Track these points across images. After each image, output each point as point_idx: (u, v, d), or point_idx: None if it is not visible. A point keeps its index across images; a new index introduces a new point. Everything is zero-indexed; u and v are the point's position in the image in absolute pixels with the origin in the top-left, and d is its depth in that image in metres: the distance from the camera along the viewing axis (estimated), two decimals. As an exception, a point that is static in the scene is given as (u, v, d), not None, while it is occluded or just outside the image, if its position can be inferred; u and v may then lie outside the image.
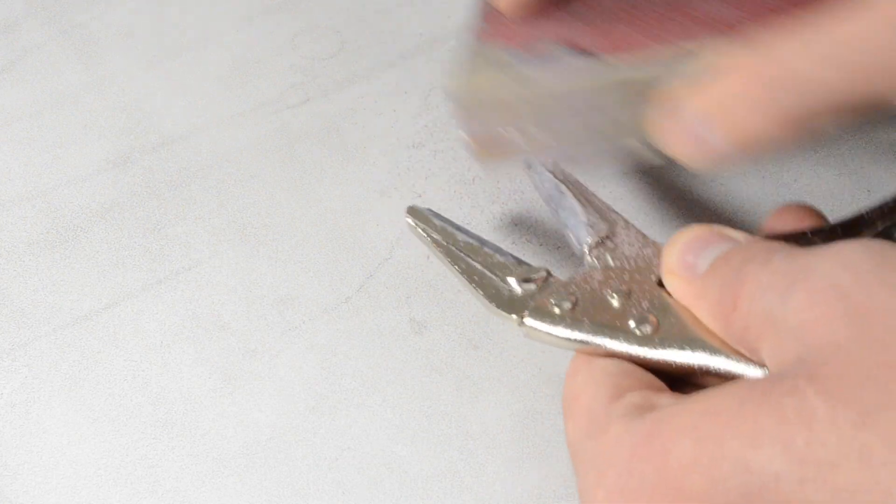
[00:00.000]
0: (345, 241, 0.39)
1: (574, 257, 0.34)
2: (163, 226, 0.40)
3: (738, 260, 0.27)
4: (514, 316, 0.31)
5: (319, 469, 0.34)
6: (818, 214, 0.33)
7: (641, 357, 0.29)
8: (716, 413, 0.24)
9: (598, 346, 0.30)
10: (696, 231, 0.30)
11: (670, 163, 0.30)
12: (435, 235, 0.34)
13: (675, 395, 0.28)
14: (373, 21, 0.47)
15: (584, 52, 0.32)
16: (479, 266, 0.33)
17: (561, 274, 0.32)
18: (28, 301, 0.38)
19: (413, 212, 0.35)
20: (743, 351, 0.27)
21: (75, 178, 0.41)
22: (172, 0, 0.48)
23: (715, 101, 0.28)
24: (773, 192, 0.40)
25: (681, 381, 0.29)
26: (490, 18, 0.34)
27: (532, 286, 0.32)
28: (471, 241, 0.34)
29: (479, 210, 0.40)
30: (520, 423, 0.34)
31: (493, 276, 0.32)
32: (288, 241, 0.39)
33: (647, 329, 0.29)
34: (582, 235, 0.33)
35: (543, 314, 0.31)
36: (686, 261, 0.29)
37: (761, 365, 0.27)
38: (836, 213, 0.40)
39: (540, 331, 0.31)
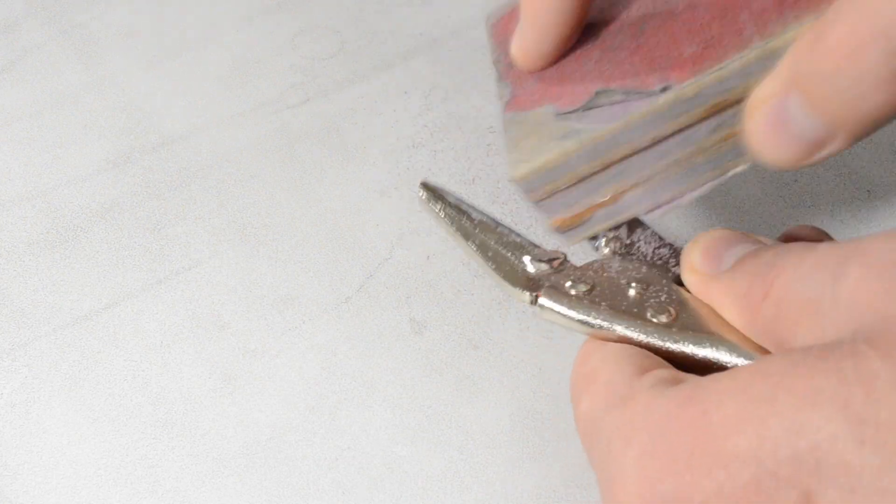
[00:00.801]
0: (345, 241, 0.39)
1: (582, 253, 0.33)
2: (163, 226, 0.40)
3: (770, 255, 0.27)
4: (527, 294, 0.30)
5: (319, 469, 0.34)
6: (827, 236, 0.33)
7: (658, 346, 0.28)
8: (767, 374, 0.23)
9: (614, 330, 0.29)
10: (720, 232, 0.29)
11: (770, 169, 0.28)
12: (449, 210, 0.33)
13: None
14: (373, 21, 0.47)
15: (631, 86, 0.28)
16: (493, 243, 0.32)
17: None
18: (28, 301, 0.38)
19: (426, 186, 0.34)
20: (767, 346, 0.27)
21: (75, 178, 0.41)
22: (172, 0, 0.48)
23: (810, 77, 0.24)
24: (774, 192, 0.40)
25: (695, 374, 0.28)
26: (514, 81, 0.31)
27: (547, 267, 0.31)
28: (485, 219, 0.33)
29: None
30: (520, 423, 0.34)
31: (508, 255, 0.32)
32: (288, 241, 0.39)
33: (665, 318, 0.28)
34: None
35: (559, 294, 0.30)
36: (709, 258, 0.29)
37: None
38: (837, 213, 0.40)
39: (554, 311, 0.30)
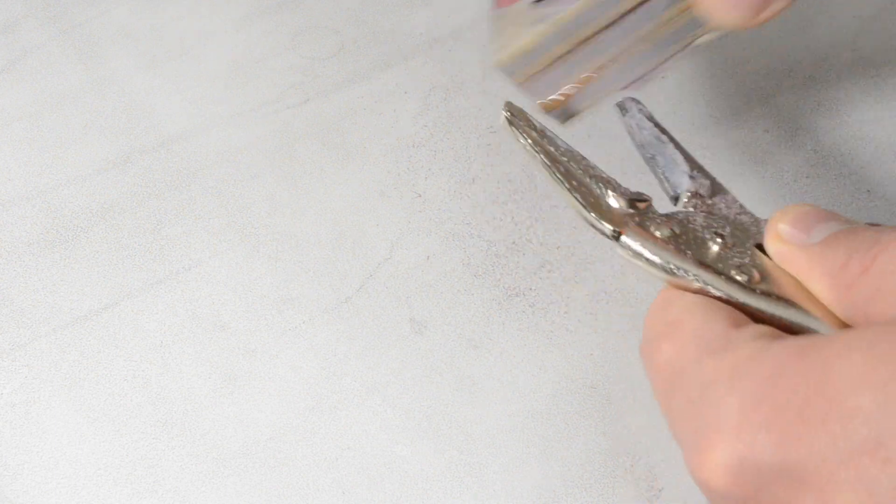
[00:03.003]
0: (345, 241, 0.39)
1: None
2: (163, 226, 0.40)
3: (871, 232, 0.26)
4: (610, 227, 0.29)
5: (319, 469, 0.34)
6: None
7: (743, 303, 0.27)
8: (894, 337, 0.22)
9: (698, 280, 0.28)
10: (808, 206, 0.28)
11: (727, 31, 0.30)
12: (534, 134, 0.31)
13: None
14: (373, 21, 0.47)
15: None
16: (578, 172, 0.31)
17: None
18: (28, 301, 0.38)
19: (511, 107, 0.32)
20: (856, 322, 0.26)
21: (75, 178, 0.41)
22: (172, 0, 0.48)
23: None
24: (774, 192, 0.40)
25: None
26: None
27: (632, 208, 0.30)
28: (572, 149, 0.31)
29: (480, 210, 0.40)
30: (520, 423, 0.34)
31: (593, 186, 0.30)
32: (288, 241, 0.39)
33: (747, 280, 0.28)
34: (683, 183, 0.32)
35: (645, 234, 0.29)
36: (798, 228, 0.28)
37: None
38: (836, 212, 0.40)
39: (637, 250, 0.29)
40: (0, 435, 0.34)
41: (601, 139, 0.43)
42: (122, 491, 0.33)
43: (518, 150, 0.32)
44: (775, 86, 0.44)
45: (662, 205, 0.32)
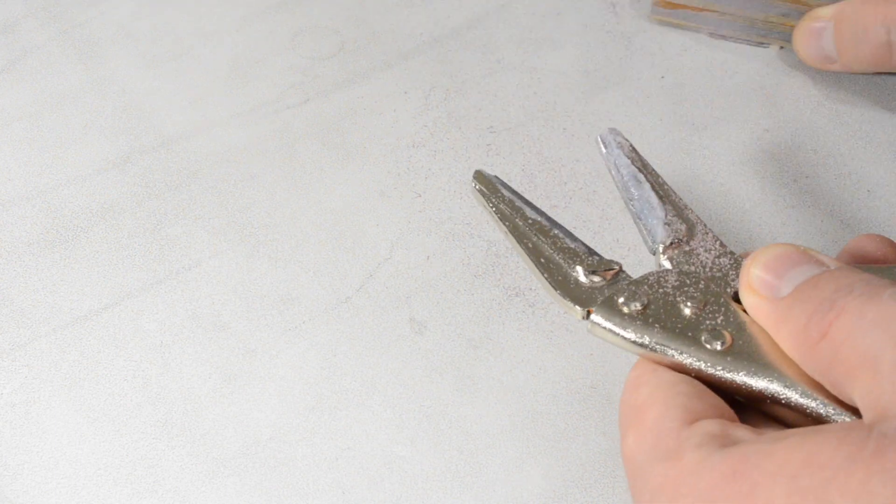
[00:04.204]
0: (345, 241, 0.39)
1: (638, 264, 0.33)
2: (163, 226, 0.40)
3: (831, 288, 0.26)
4: (579, 308, 0.29)
5: (319, 469, 0.34)
6: (893, 248, 0.32)
7: (711, 374, 0.27)
8: (819, 465, 0.22)
9: (667, 355, 0.28)
10: (781, 249, 0.28)
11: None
12: (502, 207, 0.32)
13: (753, 429, 0.26)
14: (373, 21, 0.47)
15: None
16: (547, 248, 0.31)
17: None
18: (28, 301, 0.38)
19: (480, 177, 0.32)
20: (823, 383, 0.26)
21: (75, 178, 0.41)
22: (172, 0, 0.48)
23: (838, 13, 0.40)
24: (774, 192, 0.40)
25: (744, 405, 0.28)
26: None
27: (600, 279, 0.30)
28: (540, 219, 0.31)
29: (480, 210, 0.40)
30: (520, 423, 0.34)
31: (562, 262, 0.30)
32: (288, 241, 0.39)
33: (719, 346, 0.27)
34: (658, 233, 0.32)
35: (612, 312, 0.29)
36: (768, 279, 0.27)
37: (845, 402, 0.26)
38: (837, 213, 0.40)
39: (606, 329, 0.29)
40: (0, 435, 0.34)
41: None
42: (122, 491, 0.33)
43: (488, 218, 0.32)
44: (775, 85, 0.44)
45: (642, 263, 0.31)
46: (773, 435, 0.25)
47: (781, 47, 0.45)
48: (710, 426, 0.26)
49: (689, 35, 0.46)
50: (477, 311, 0.37)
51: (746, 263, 0.28)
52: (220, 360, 0.36)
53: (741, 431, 0.26)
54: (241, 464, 0.34)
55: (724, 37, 0.46)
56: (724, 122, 0.43)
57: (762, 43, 0.45)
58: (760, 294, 0.28)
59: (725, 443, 0.25)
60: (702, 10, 0.45)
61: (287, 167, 0.42)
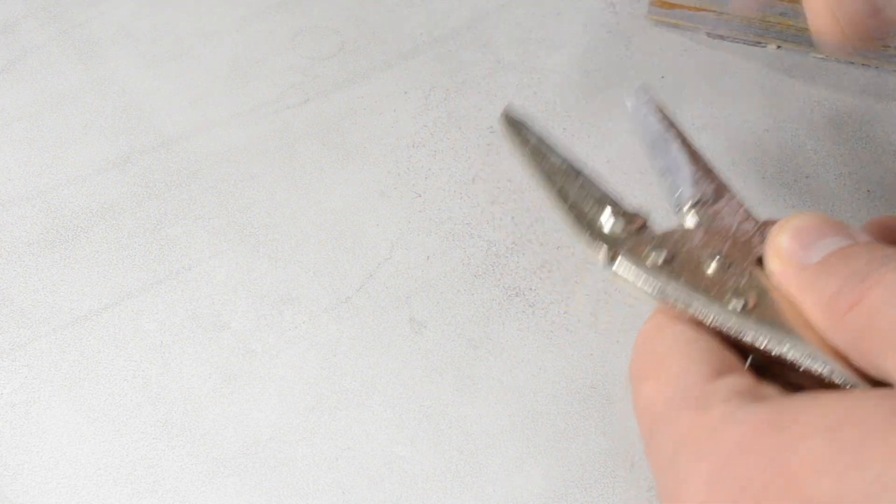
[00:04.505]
0: (345, 241, 0.39)
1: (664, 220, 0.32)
2: (163, 226, 0.40)
3: (863, 259, 0.25)
4: (603, 252, 0.29)
5: (319, 469, 0.34)
6: None
7: (732, 333, 0.27)
8: (858, 421, 0.22)
9: (689, 309, 0.27)
10: (811, 217, 0.27)
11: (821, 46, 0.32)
12: (530, 147, 0.31)
13: (782, 391, 0.25)
14: (373, 21, 0.47)
15: None
16: (574, 191, 0.30)
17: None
18: (28, 301, 0.38)
19: (508, 117, 0.31)
20: (849, 354, 0.25)
21: (75, 178, 0.41)
22: (172, 0, 0.48)
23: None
24: (774, 192, 0.40)
25: (760, 370, 0.27)
26: None
27: (626, 228, 0.29)
28: (568, 163, 0.30)
29: (479, 210, 0.40)
30: (520, 423, 0.34)
31: (588, 206, 0.29)
32: (288, 241, 0.39)
33: (742, 307, 0.27)
34: (684, 191, 0.31)
35: (636, 260, 0.28)
36: (796, 246, 0.27)
37: (868, 374, 0.25)
38: (837, 213, 0.40)
39: (628, 276, 0.28)
40: (0, 435, 0.34)
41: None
42: (122, 491, 0.33)
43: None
44: (775, 85, 0.44)
45: (665, 213, 0.32)
46: (804, 393, 0.24)
47: (778, 47, 0.45)
48: (738, 380, 0.25)
49: (689, 35, 0.46)
50: (477, 311, 0.37)
51: (774, 230, 0.28)
52: (220, 360, 0.36)
53: (769, 389, 0.25)
54: (241, 464, 0.34)
55: (721, 37, 0.46)
56: (724, 121, 0.43)
57: (759, 42, 0.45)
58: (787, 260, 0.27)
59: (755, 398, 0.24)
60: (699, 9, 0.45)
61: (287, 167, 0.42)
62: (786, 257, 0.27)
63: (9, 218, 0.40)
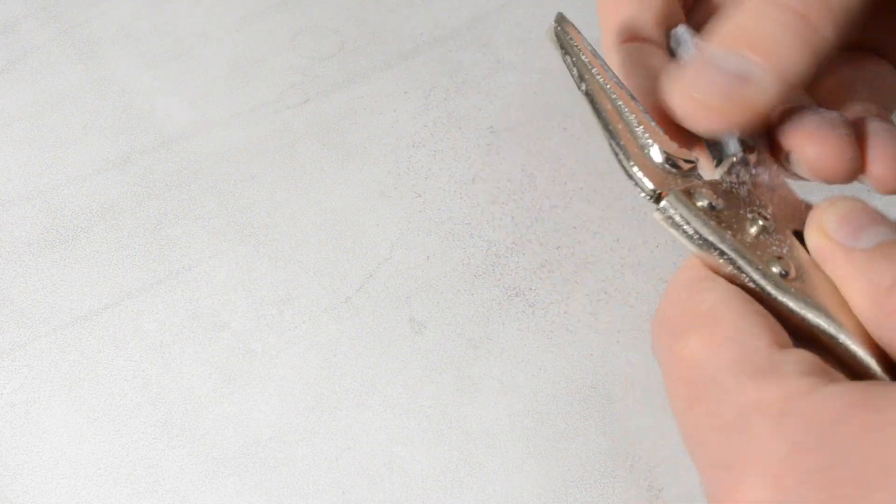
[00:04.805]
0: (345, 241, 0.39)
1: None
2: (163, 226, 0.40)
3: None
4: (652, 187, 0.26)
5: (319, 469, 0.34)
6: None
7: (773, 299, 0.25)
8: None
9: (732, 263, 0.25)
10: (861, 203, 0.26)
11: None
12: (584, 58, 0.28)
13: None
14: (373, 21, 0.47)
15: None
16: (626, 114, 0.27)
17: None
18: (28, 301, 0.38)
19: (563, 19, 0.28)
20: (885, 343, 0.24)
21: (75, 178, 0.41)
22: (172, 0, 0.48)
23: (743, 28, 0.26)
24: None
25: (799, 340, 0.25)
26: None
27: (676, 168, 0.27)
28: (622, 83, 0.28)
29: (479, 210, 0.40)
30: (520, 423, 0.34)
31: (637, 136, 0.27)
32: (288, 241, 0.39)
33: (784, 273, 0.25)
34: (730, 146, 0.28)
35: (687, 203, 0.26)
36: (847, 228, 0.25)
37: None
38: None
39: (676, 217, 0.26)
40: (0, 435, 0.34)
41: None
42: (122, 491, 0.33)
43: (564, 69, 0.29)
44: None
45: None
46: (886, 382, 0.23)
47: None
48: (806, 356, 0.23)
49: (689, 35, 0.46)
50: (477, 311, 0.37)
51: (819, 208, 0.26)
52: (220, 360, 0.36)
53: (837, 372, 0.24)
54: (241, 464, 0.34)
55: None
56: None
57: None
58: (836, 240, 0.25)
59: (832, 378, 0.23)
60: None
61: (287, 167, 0.42)
62: (834, 236, 0.26)
63: (9, 218, 0.40)
